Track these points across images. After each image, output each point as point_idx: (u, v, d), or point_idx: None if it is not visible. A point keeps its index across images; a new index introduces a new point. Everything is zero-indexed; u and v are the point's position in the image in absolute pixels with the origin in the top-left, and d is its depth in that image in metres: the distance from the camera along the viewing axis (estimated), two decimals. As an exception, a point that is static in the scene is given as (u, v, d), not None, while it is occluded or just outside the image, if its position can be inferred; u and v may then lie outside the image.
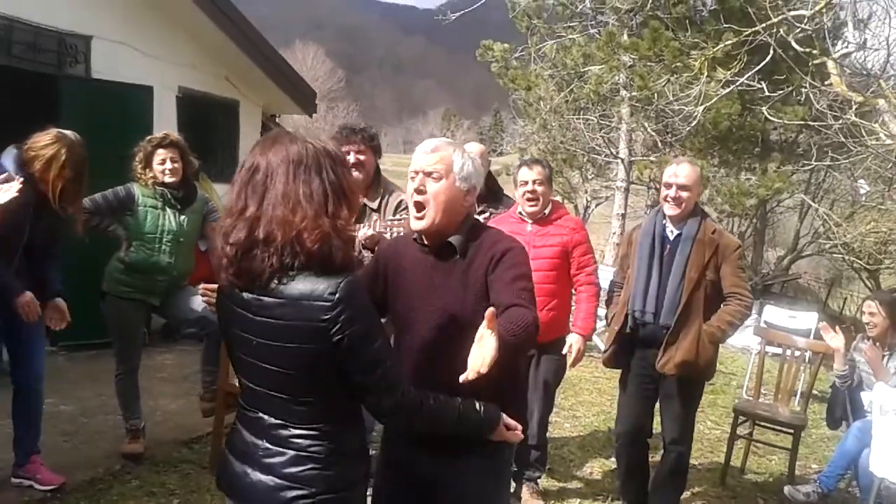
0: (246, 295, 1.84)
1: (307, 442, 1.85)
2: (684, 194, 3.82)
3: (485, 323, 1.86)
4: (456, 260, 2.32)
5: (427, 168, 2.33)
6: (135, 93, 7.25)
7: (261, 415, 1.91)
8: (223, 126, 9.39)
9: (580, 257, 4.18)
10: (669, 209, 3.87)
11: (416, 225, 2.34)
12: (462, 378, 1.86)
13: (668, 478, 4.05)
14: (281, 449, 1.86)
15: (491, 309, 1.89)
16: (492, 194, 4.55)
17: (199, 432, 4.79)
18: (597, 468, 5.07)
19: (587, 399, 6.72)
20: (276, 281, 1.77)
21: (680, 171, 3.84)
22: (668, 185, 3.85)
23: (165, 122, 7.40)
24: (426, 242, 2.38)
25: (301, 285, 1.76)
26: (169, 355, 6.71)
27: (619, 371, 4.19)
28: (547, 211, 4.25)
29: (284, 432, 1.86)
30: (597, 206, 23.13)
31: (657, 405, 4.08)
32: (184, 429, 4.93)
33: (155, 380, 5.82)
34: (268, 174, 1.80)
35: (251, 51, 8.73)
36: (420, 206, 2.32)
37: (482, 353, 1.84)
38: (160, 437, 4.74)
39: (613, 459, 4.77)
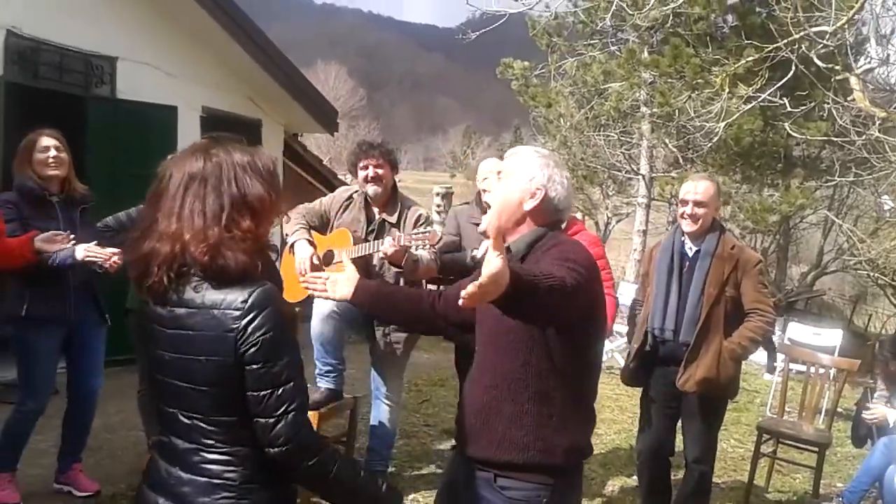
0: (159, 309, 1.80)
1: (220, 468, 1.76)
2: (700, 210, 3.80)
3: (490, 243, 1.69)
4: (520, 261, 2.16)
5: (497, 170, 2.35)
6: (159, 113, 7.37)
7: (174, 440, 1.82)
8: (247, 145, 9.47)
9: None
10: (687, 226, 3.86)
11: (483, 223, 2.33)
12: (462, 294, 1.65)
13: (691, 497, 4.01)
14: (193, 476, 1.77)
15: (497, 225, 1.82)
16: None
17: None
18: (618, 486, 5.04)
19: (608, 417, 6.68)
20: (182, 291, 1.75)
21: (696, 188, 3.84)
22: (685, 202, 3.85)
23: (189, 141, 7.31)
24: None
25: (214, 295, 1.73)
26: (192, 372, 6.71)
27: (640, 388, 4.17)
28: (562, 227, 4.24)
29: (197, 457, 1.78)
30: (618, 222, 23.04)
31: (679, 423, 4.05)
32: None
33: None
34: (166, 188, 1.80)
35: (274, 71, 8.82)
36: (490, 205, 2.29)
37: (487, 267, 1.63)
38: (183, 453, 4.76)
39: (635, 478, 4.74)
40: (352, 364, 5.23)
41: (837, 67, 8.09)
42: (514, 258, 2.16)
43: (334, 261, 4.24)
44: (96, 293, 4.04)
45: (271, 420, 1.73)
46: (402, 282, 4.27)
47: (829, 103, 9.30)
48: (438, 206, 11.88)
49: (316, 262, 4.11)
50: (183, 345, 1.76)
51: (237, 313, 1.71)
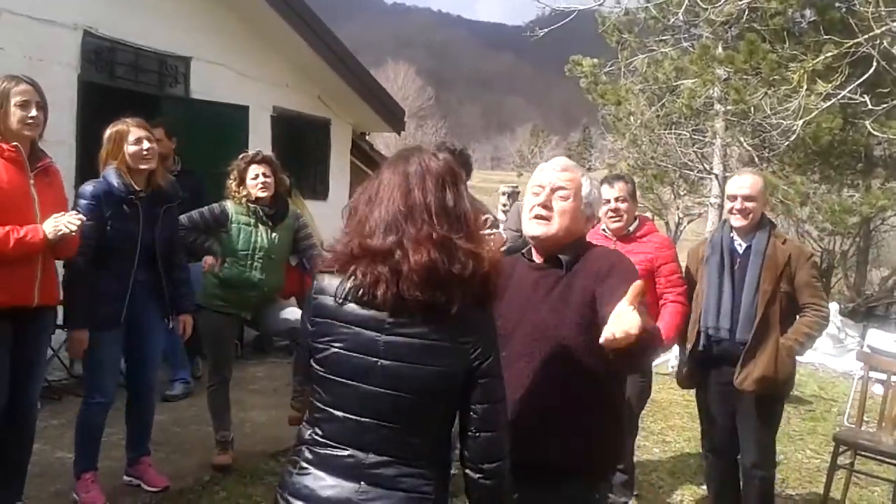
0: (375, 312, 1.73)
1: (418, 481, 1.74)
2: (750, 205, 3.73)
3: (627, 298, 1.76)
4: (560, 276, 2.26)
5: (557, 184, 2.30)
6: (231, 112, 7.52)
7: (354, 452, 1.75)
8: (315, 144, 9.61)
9: (668, 276, 4.06)
10: (736, 221, 3.78)
11: (537, 230, 2.30)
12: (602, 339, 1.75)
13: None
14: (386, 491, 1.72)
15: (639, 282, 1.80)
16: None
17: (287, 444, 4.85)
18: (687, 495, 4.91)
19: (678, 423, 6.52)
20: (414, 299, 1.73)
21: (744, 182, 3.77)
22: (734, 197, 3.77)
23: (260, 140, 7.63)
24: (533, 257, 2.38)
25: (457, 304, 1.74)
26: (260, 368, 6.86)
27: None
28: (632, 227, 4.16)
29: (391, 471, 1.73)
30: (689, 222, 22.60)
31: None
32: (272, 441, 5.02)
33: (246, 392, 5.97)
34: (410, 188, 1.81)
35: (343, 71, 8.92)
36: (543, 217, 2.28)
37: (623, 322, 1.71)
38: (249, 448, 4.84)
39: (704, 487, 4.61)
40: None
41: (923, 64, 7.74)
42: (566, 269, 2.26)
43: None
44: (160, 289, 4.04)
45: (495, 433, 1.77)
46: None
47: (912, 101, 8.92)
48: (504, 205, 11.81)
49: None
50: (407, 352, 1.72)
51: (476, 323, 1.76)
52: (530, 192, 2.33)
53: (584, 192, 2.31)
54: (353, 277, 1.72)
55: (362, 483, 1.73)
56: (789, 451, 6.05)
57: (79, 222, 3.33)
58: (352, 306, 1.74)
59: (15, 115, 3.31)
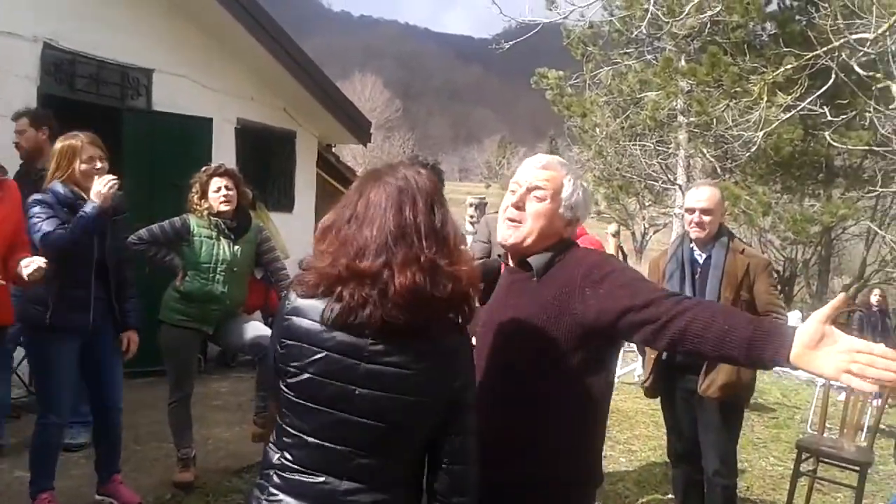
0: (356, 339, 1.66)
1: None
2: (707, 218, 3.78)
3: (825, 313, 1.60)
4: (531, 281, 2.09)
5: (533, 183, 2.10)
6: (194, 124, 7.43)
7: (328, 479, 1.69)
8: (280, 156, 9.54)
9: None
10: (695, 233, 3.83)
11: (505, 235, 2.13)
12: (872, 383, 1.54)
13: None
14: None
15: (842, 295, 1.69)
16: None
17: (251, 461, 4.80)
18: (653, 504, 4.93)
19: (644, 433, 6.55)
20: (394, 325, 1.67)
21: (701, 195, 3.81)
22: (692, 210, 3.81)
23: (224, 153, 7.56)
24: (509, 260, 2.22)
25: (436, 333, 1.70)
26: (224, 383, 6.77)
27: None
28: None
29: (366, 498, 1.69)
30: (654, 233, 22.88)
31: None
32: (235, 457, 4.95)
33: (209, 408, 5.88)
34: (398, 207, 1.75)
35: (308, 82, 8.87)
36: (514, 220, 2.11)
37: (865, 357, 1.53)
38: (212, 465, 4.76)
39: (671, 496, 4.63)
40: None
41: (879, 75, 7.92)
42: (537, 274, 2.08)
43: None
44: (113, 305, 3.96)
45: (466, 466, 1.73)
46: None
47: (870, 112, 9.11)
48: (472, 216, 11.81)
49: None
50: (389, 382, 1.65)
51: (456, 350, 1.71)
52: (508, 191, 2.17)
53: (564, 193, 2.11)
54: (339, 300, 1.64)
55: None
56: (753, 459, 6.10)
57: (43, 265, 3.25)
58: (333, 331, 1.66)
59: None
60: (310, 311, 1.69)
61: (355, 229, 1.68)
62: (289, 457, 1.73)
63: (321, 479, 1.69)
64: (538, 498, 2.05)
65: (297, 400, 1.71)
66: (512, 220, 2.11)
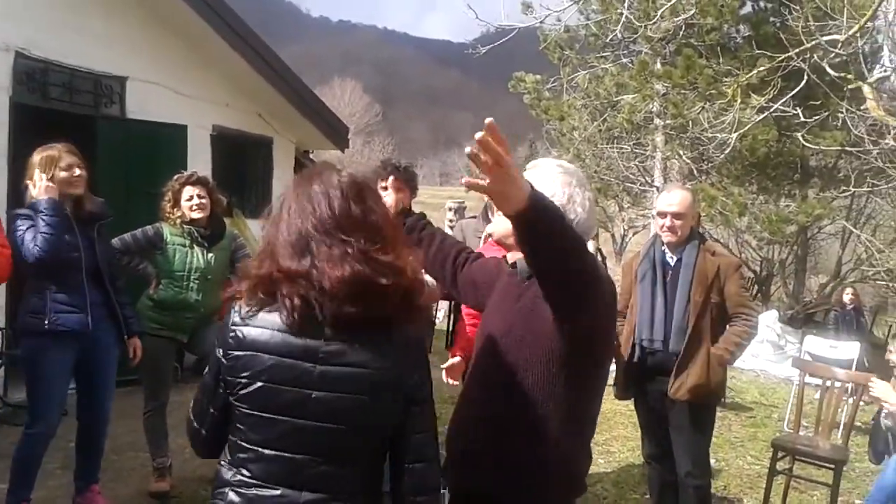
0: (308, 341, 1.64)
1: None
2: (678, 222, 3.82)
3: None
4: (524, 281, 2.07)
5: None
6: (169, 132, 7.41)
7: (286, 491, 1.66)
8: (257, 163, 9.51)
9: None
10: (666, 237, 3.87)
11: (489, 228, 2.20)
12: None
13: None
14: None
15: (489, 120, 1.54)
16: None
17: (228, 470, 4.77)
18: (631, 505, 4.96)
19: (622, 433, 6.58)
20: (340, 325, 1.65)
21: (673, 199, 3.85)
22: (663, 214, 3.85)
23: (200, 159, 7.53)
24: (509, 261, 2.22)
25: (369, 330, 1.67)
26: (201, 391, 6.68)
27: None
28: None
29: None
30: (634, 234, 22.99)
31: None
32: (211, 466, 4.85)
33: (185, 417, 5.83)
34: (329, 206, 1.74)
35: (284, 88, 8.85)
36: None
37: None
38: (188, 474, 4.73)
39: (648, 496, 4.65)
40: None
41: (850, 76, 8.01)
42: (521, 276, 2.07)
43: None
44: (115, 311, 3.96)
45: (426, 463, 1.70)
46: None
47: (843, 113, 9.22)
48: (451, 220, 11.82)
49: None
50: (343, 383, 1.63)
51: (409, 348, 1.69)
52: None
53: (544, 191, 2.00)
54: (283, 303, 1.63)
55: None
56: (730, 458, 6.15)
57: None
58: (282, 335, 1.63)
59: None
60: (257, 318, 1.67)
61: (274, 232, 1.70)
62: (246, 472, 1.69)
63: (278, 491, 1.66)
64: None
65: (249, 412, 1.67)
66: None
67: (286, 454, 1.66)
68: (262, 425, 1.67)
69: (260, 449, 1.68)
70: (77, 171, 3.80)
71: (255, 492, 1.67)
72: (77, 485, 4.10)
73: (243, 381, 1.67)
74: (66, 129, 7.02)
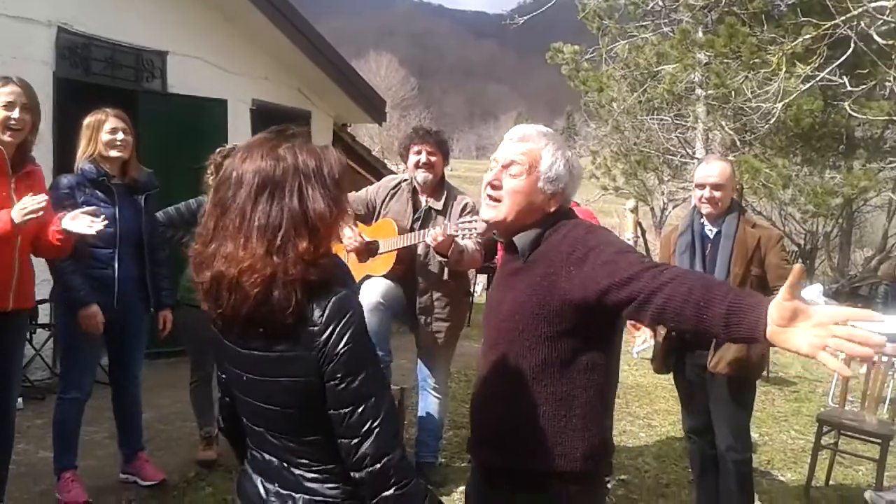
0: (231, 325, 1.67)
1: (319, 485, 1.68)
2: (718, 193, 3.74)
3: (786, 290, 1.47)
4: (524, 258, 2.04)
5: (508, 158, 2.03)
6: (209, 106, 7.47)
7: (267, 456, 1.75)
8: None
9: None
10: (705, 209, 3.79)
11: (486, 213, 2.09)
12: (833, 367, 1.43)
13: (733, 493, 3.87)
14: (293, 493, 1.69)
15: (798, 266, 1.50)
16: None
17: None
18: (673, 478, 4.93)
19: (663, 407, 6.54)
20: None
21: (712, 170, 3.76)
22: (702, 186, 3.77)
23: (239, 134, 7.58)
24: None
25: (296, 320, 1.61)
26: (245, 362, 6.78)
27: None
28: None
29: (293, 475, 1.70)
30: (674, 207, 22.68)
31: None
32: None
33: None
34: (228, 194, 1.63)
35: (323, 62, 8.85)
36: (493, 199, 2.06)
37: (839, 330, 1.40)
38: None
39: (690, 469, 4.63)
40: (403, 355, 5.24)
41: (900, 43, 7.78)
42: (522, 253, 2.05)
43: (379, 251, 4.23)
44: (145, 281, 4.02)
45: (355, 440, 1.61)
46: (446, 270, 4.25)
47: (890, 81, 8.97)
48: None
49: (365, 239, 4.15)
50: (261, 366, 1.66)
51: (315, 329, 1.59)
52: (489, 168, 2.11)
53: (543, 165, 2.02)
54: (204, 285, 1.66)
55: (276, 484, 1.72)
56: (774, 433, 6.08)
57: (43, 201, 3.18)
58: (217, 317, 1.70)
59: None
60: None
61: (204, 211, 1.73)
62: (249, 440, 1.82)
63: (259, 456, 1.78)
64: (540, 485, 2.01)
65: (231, 387, 1.80)
66: (491, 199, 2.07)
67: (250, 426, 1.78)
68: (236, 399, 1.80)
69: (244, 420, 1.81)
70: (121, 136, 3.85)
71: (252, 454, 1.82)
72: (123, 452, 4.21)
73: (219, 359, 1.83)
74: (108, 103, 7.12)
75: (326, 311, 1.59)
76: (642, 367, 7.85)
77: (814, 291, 11.50)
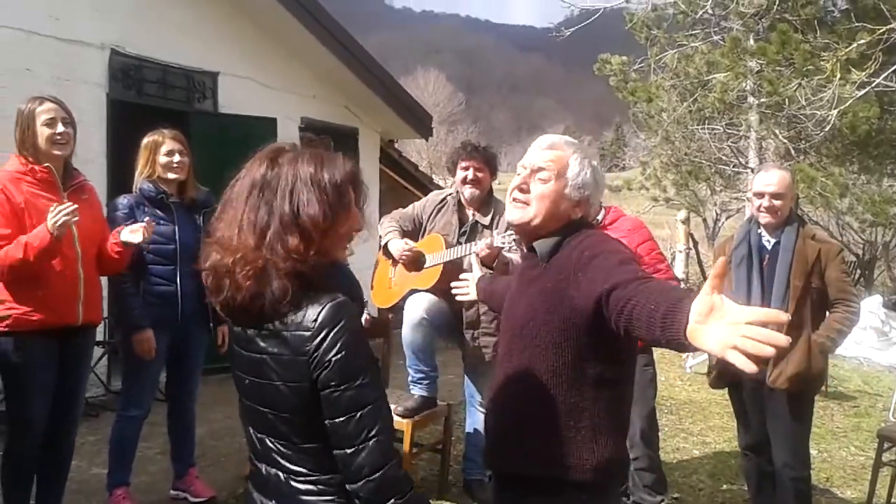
0: (237, 328, 1.73)
1: (314, 498, 1.66)
2: (778, 202, 3.64)
3: (708, 283, 1.42)
4: (543, 265, 2.06)
5: (537, 164, 2.07)
6: (260, 125, 7.56)
7: (265, 468, 1.74)
8: (344, 153, 9.52)
9: (647, 256, 4.02)
10: (764, 218, 3.70)
11: (512, 214, 2.11)
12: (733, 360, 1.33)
13: None
14: None
15: (721, 259, 1.45)
16: None
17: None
18: (728, 498, 4.81)
19: (717, 423, 6.39)
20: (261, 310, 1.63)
21: (771, 179, 3.66)
22: (761, 195, 3.68)
23: (288, 152, 7.65)
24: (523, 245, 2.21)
25: (287, 316, 1.63)
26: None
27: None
28: (599, 217, 4.10)
29: (294, 486, 1.68)
30: (727, 218, 22.29)
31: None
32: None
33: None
34: (230, 193, 1.72)
35: (369, 79, 8.92)
36: (520, 201, 2.08)
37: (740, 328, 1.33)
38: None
39: (745, 487, 4.51)
40: (450, 370, 5.21)
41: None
42: (541, 259, 2.06)
43: (426, 265, 4.22)
44: (205, 297, 4.06)
45: (351, 450, 1.60)
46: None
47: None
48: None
49: (413, 246, 4.16)
50: (260, 369, 1.67)
51: (307, 334, 1.59)
52: (516, 173, 2.13)
53: (570, 172, 2.06)
54: (210, 282, 1.71)
55: (273, 501, 1.72)
56: (833, 449, 5.90)
57: (73, 209, 3.21)
58: (229, 320, 1.79)
59: (43, 134, 3.33)
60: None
61: (216, 216, 1.76)
62: (252, 454, 1.83)
63: (259, 467, 1.78)
64: (552, 492, 1.98)
65: (239, 393, 1.81)
66: (516, 201, 2.09)
67: (251, 432, 1.79)
68: (241, 406, 1.83)
69: (247, 427, 1.83)
70: (177, 158, 3.93)
71: (253, 469, 1.83)
72: (175, 468, 4.25)
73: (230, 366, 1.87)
74: (161, 124, 7.29)
75: (320, 317, 1.60)
76: (696, 382, 7.70)
77: (873, 303, 11.19)
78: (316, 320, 1.59)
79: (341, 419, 1.60)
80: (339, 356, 1.59)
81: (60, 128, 3.37)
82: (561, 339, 1.94)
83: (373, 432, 1.60)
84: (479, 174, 4.24)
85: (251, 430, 1.77)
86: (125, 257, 3.57)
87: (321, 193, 1.66)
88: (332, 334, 1.59)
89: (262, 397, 1.68)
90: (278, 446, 1.70)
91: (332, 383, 1.60)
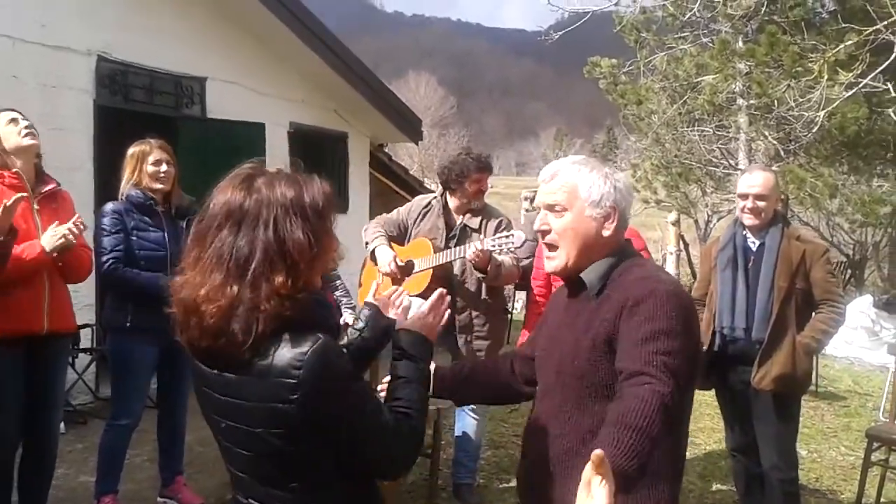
0: (205, 368, 1.60)
1: None
2: (762, 204, 3.67)
3: (589, 466, 1.27)
4: (589, 297, 1.95)
5: (546, 201, 1.98)
6: (248, 130, 7.55)
7: (252, 502, 1.65)
8: (333, 158, 9.62)
9: None
10: (748, 220, 3.71)
11: (549, 266, 2.04)
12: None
13: None
14: None
15: (597, 452, 1.28)
16: None
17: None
18: (718, 499, 4.81)
19: (707, 425, 6.39)
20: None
21: (755, 181, 3.69)
22: (745, 196, 3.70)
23: (277, 156, 7.64)
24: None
25: (261, 361, 1.51)
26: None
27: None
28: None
29: None
30: (718, 220, 22.30)
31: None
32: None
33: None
34: (202, 223, 1.58)
35: (358, 84, 8.93)
36: (551, 246, 1.98)
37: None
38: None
39: (735, 488, 4.51)
40: (438, 374, 5.20)
41: (946, 48, 7.58)
42: (591, 290, 1.96)
43: (414, 270, 4.21)
44: None
45: (380, 456, 1.63)
46: (483, 288, 4.23)
47: (938, 86, 8.73)
48: (527, 210, 11.75)
49: (400, 264, 4.12)
50: (237, 414, 1.56)
51: (292, 382, 1.48)
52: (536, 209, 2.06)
53: (582, 192, 1.94)
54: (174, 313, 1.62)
55: None
56: (823, 449, 5.91)
57: (78, 230, 3.28)
58: (195, 360, 1.65)
59: (8, 137, 3.33)
60: None
61: (186, 248, 1.65)
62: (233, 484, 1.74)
63: (246, 501, 1.67)
64: None
65: (214, 432, 1.70)
66: (548, 248, 2.02)
67: (233, 470, 1.70)
68: (219, 444, 1.72)
69: (228, 465, 1.74)
70: (164, 168, 3.92)
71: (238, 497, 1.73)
72: (163, 476, 4.23)
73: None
74: (148, 130, 7.26)
75: (304, 367, 1.48)
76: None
77: (864, 303, 11.22)
78: (300, 368, 1.48)
79: (357, 448, 1.59)
80: (335, 405, 1.52)
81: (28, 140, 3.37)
82: (612, 380, 1.83)
83: (393, 444, 1.63)
84: (489, 185, 4.37)
85: (233, 469, 1.68)
86: (80, 267, 3.56)
87: (305, 220, 1.55)
88: (324, 386, 1.51)
89: (241, 441, 1.59)
90: (266, 488, 1.62)
91: (337, 427, 1.54)
